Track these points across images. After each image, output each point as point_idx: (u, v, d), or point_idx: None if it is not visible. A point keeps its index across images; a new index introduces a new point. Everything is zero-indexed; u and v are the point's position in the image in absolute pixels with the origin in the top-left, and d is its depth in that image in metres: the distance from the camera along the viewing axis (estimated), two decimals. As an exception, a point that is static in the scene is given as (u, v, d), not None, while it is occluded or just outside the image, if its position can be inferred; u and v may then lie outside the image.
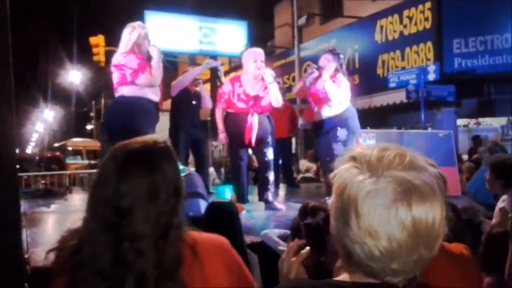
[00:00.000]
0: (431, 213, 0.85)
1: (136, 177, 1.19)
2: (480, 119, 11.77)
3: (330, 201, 0.95)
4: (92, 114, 33.77)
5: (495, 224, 2.60)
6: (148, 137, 1.28)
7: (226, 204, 2.82)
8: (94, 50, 13.47)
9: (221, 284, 1.23)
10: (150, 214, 1.18)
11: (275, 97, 4.73)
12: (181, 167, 4.57)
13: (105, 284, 1.15)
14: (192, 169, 5.14)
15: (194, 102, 5.84)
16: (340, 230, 0.90)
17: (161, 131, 4.62)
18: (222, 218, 2.58)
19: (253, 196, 5.31)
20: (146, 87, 4.01)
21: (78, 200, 6.59)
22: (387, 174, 0.87)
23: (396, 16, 11.43)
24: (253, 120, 4.64)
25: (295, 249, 1.29)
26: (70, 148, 23.12)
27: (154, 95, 4.07)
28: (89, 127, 36.19)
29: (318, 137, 5.09)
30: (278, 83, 5.04)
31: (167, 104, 5.99)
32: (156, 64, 4.03)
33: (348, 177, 0.89)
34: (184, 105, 5.71)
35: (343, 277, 0.95)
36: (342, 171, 0.91)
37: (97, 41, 13.45)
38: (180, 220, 1.24)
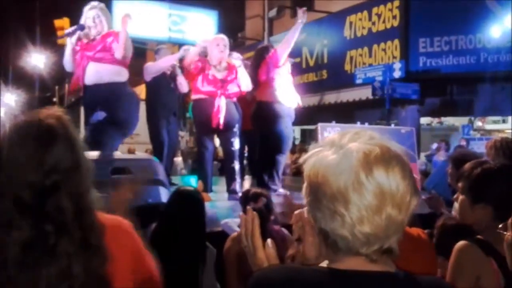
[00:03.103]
0: (392, 176, 0.89)
1: (60, 151, 1.14)
2: (443, 118, 12.09)
3: (303, 185, 0.98)
4: (55, 99, 32.83)
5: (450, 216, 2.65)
6: (43, 111, 1.21)
7: (193, 192, 2.79)
8: (59, 33, 13.06)
9: (124, 265, 1.20)
10: (75, 189, 1.14)
11: (244, 81, 4.79)
12: (142, 153, 4.49)
13: (20, 269, 1.07)
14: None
15: (172, 86, 5.49)
16: (313, 207, 0.94)
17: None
18: (188, 205, 2.54)
19: (218, 186, 5.31)
20: None
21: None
22: (348, 146, 0.92)
23: (365, 12, 11.58)
24: (221, 103, 4.65)
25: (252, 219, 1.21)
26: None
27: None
28: (52, 112, 35.13)
29: None
30: (247, 65, 5.06)
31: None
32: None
33: (315, 157, 0.95)
34: (162, 91, 5.37)
35: (322, 264, 0.98)
36: (311, 155, 0.97)
37: (62, 23, 13.01)
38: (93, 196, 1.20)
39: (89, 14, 4.26)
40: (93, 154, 3.70)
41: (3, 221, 1.08)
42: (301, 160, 0.98)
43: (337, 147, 0.93)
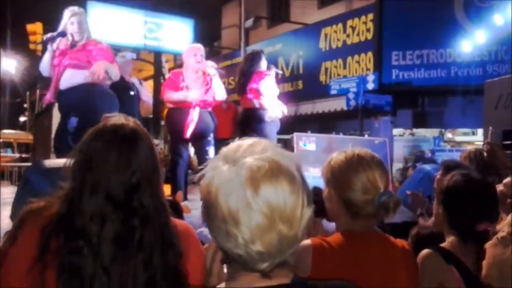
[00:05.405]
0: (281, 192, 0.89)
1: (143, 152, 1.25)
2: (414, 130, 12.34)
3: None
4: (26, 105, 32.15)
5: (427, 225, 2.69)
6: (120, 116, 1.33)
7: (172, 202, 2.75)
8: (31, 38, 12.86)
9: (195, 266, 1.26)
10: (154, 188, 1.25)
11: (218, 90, 4.79)
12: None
13: (107, 260, 1.17)
14: None
15: (132, 93, 5.47)
16: (209, 227, 0.95)
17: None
18: None
19: (192, 195, 5.27)
20: None
21: (6, 193, 6.24)
22: (240, 162, 0.91)
23: (340, 25, 11.76)
24: (194, 114, 4.63)
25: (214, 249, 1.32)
26: (0, 140, 21.89)
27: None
28: (22, 119, 34.41)
29: None
30: (222, 75, 5.07)
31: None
32: None
33: (210, 173, 0.95)
34: (121, 97, 5.40)
35: (221, 285, 1.00)
36: (208, 169, 0.97)
37: (35, 28, 12.84)
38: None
39: (73, 20, 4.17)
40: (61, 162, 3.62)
41: (96, 216, 1.18)
42: (196, 178, 0.99)
43: (230, 162, 0.93)
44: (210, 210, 0.93)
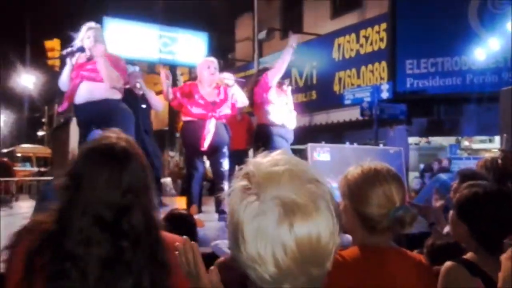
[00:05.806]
0: (315, 229, 0.84)
1: (133, 172, 1.21)
2: (430, 138, 12.22)
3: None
4: (44, 120, 32.67)
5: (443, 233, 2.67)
6: (113, 133, 1.29)
7: (185, 215, 2.77)
8: (49, 54, 13.13)
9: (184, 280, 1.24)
10: (145, 207, 1.22)
11: (239, 97, 4.88)
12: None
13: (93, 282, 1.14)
14: None
15: (143, 106, 5.58)
16: (235, 254, 0.90)
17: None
18: (180, 228, 2.53)
19: (208, 206, 5.30)
20: None
21: (25, 207, 6.34)
22: (272, 194, 0.85)
23: (353, 35, 11.77)
24: (210, 125, 4.68)
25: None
26: (19, 154, 22.24)
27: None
28: (40, 133, 34.95)
29: None
30: (241, 83, 5.16)
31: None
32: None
33: (238, 199, 0.89)
34: (134, 111, 5.46)
35: None
36: (234, 191, 0.91)
37: (53, 45, 13.13)
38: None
39: (89, 34, 4.26)
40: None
41: (83, 238, 1.15)
42: (224, 196, 0.94)
43: (260, 192, 0.86)
44: (237, 245, 0.88)
